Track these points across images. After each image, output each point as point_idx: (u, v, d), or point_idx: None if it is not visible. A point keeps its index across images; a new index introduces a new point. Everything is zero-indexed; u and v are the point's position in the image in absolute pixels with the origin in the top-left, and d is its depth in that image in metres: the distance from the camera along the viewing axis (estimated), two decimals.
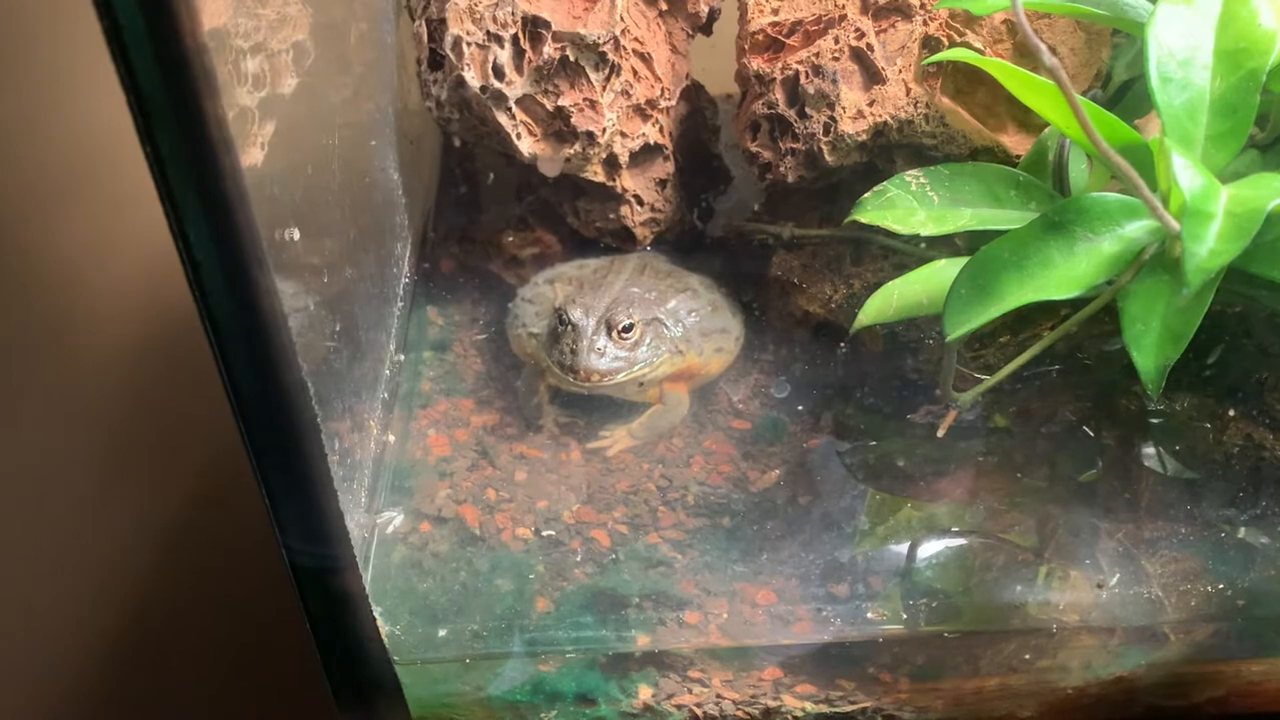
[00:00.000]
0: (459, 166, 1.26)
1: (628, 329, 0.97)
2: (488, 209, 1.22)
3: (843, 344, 1.06)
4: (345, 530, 0.68)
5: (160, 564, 1.32)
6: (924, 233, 0.90)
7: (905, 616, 0.85)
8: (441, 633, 0.81)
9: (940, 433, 0.91)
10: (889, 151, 1.02)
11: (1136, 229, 0.78)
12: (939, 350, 1.01)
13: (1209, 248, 0.64)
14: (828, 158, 1.00)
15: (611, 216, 1.11)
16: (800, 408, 1.02)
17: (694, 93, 1.16)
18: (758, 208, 1.18)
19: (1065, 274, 0.78)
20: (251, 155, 0.72)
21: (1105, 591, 0.83)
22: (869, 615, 0.83)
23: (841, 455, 0.99)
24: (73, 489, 1.24)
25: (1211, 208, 0.65)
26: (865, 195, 0.92)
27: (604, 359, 0.96)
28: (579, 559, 0.89)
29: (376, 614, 0.75)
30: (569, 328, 0.97)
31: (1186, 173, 0.66)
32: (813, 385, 1.04)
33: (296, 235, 0.71)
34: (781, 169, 1.04)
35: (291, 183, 0.76)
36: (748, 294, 1.11)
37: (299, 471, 0.64)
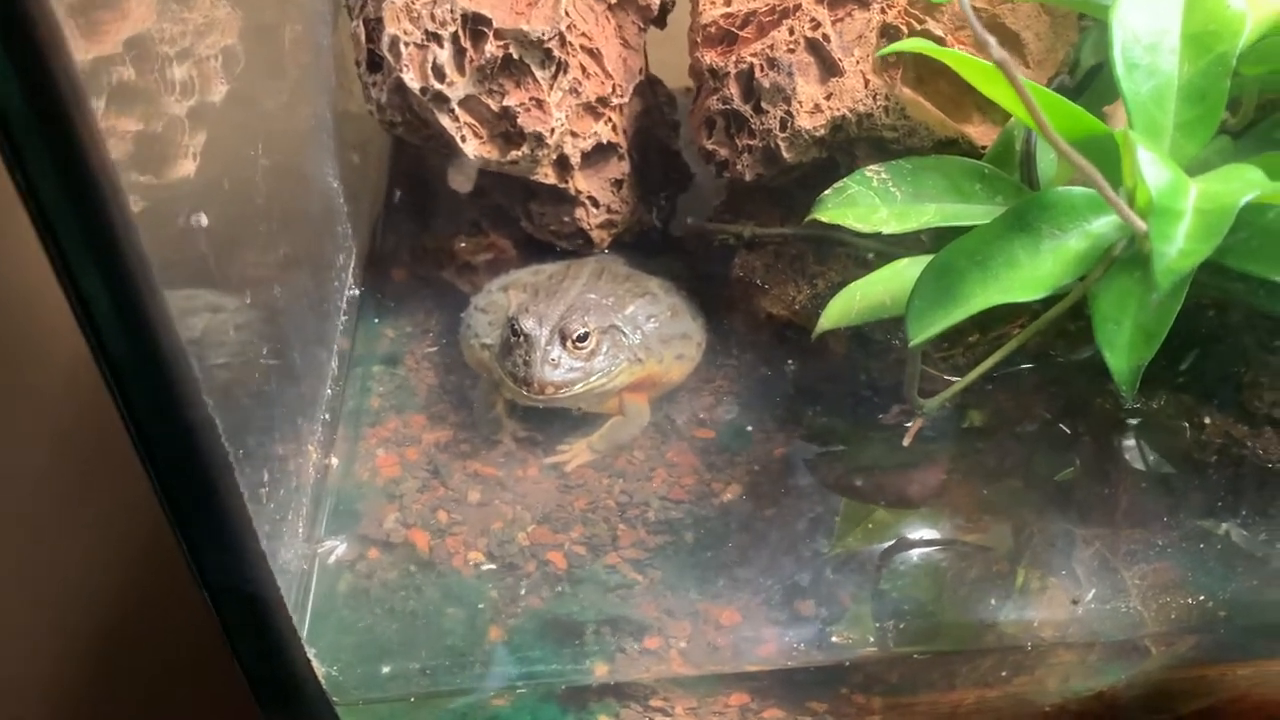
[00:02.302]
0: (408, 172, 1.21)
1: (583, 338, 0.92)
2: (439, 215, 1.18)
3: (794, 356, 1.02)
4: (269, 571, 0.64)
5: (129, 576, 1.28)
6: (886, 230, 0.86)
7: (875, 638, 0.81)
8: (385, 669, 0.77)
9: (906, 441, 0.87)
10: (849, 146, 0.98)
11: (1104, 225, 0.74)
12: (906, 351, 0.97)
13: (1178, 248, 0.60)
14: (785, 154, 0.96)
15: (566, 219, 1.07)
16: (766, 414, 0.98)
17: (649, 88, 1.12)
18: (718, 206, 1.14)
19: (1031, 274, 0.74)
20: (155, 167, 0.67)
21: (1081, 607, 0.79)
22: (834, 639, 0.79)
23: (809, 464, 0.95)
24: (39, 502, 1.20)
25: (1180, 205, 0.61)
26: (825, 193, 0.89)
27: (558, 370, 0.92)
28: (534, 584, 0.85)
29: (311, 655, 0.71)
30: (521, 338, 0.92)
31: (1153, 168, 0.62)
32: (778, 391, 1.00)
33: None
34: (739, 167, 0.99)
35: (204, 197, 0.72)
36: (709, 297, 1.07)
37: (213, 513, 0.60)
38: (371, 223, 1.17)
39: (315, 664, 0.72)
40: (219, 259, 0.69)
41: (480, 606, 0.82)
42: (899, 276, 0.88)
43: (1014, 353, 0.89)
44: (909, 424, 0.93)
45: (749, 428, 0.98)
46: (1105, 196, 0.63)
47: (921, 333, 0.77)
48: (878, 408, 0.97)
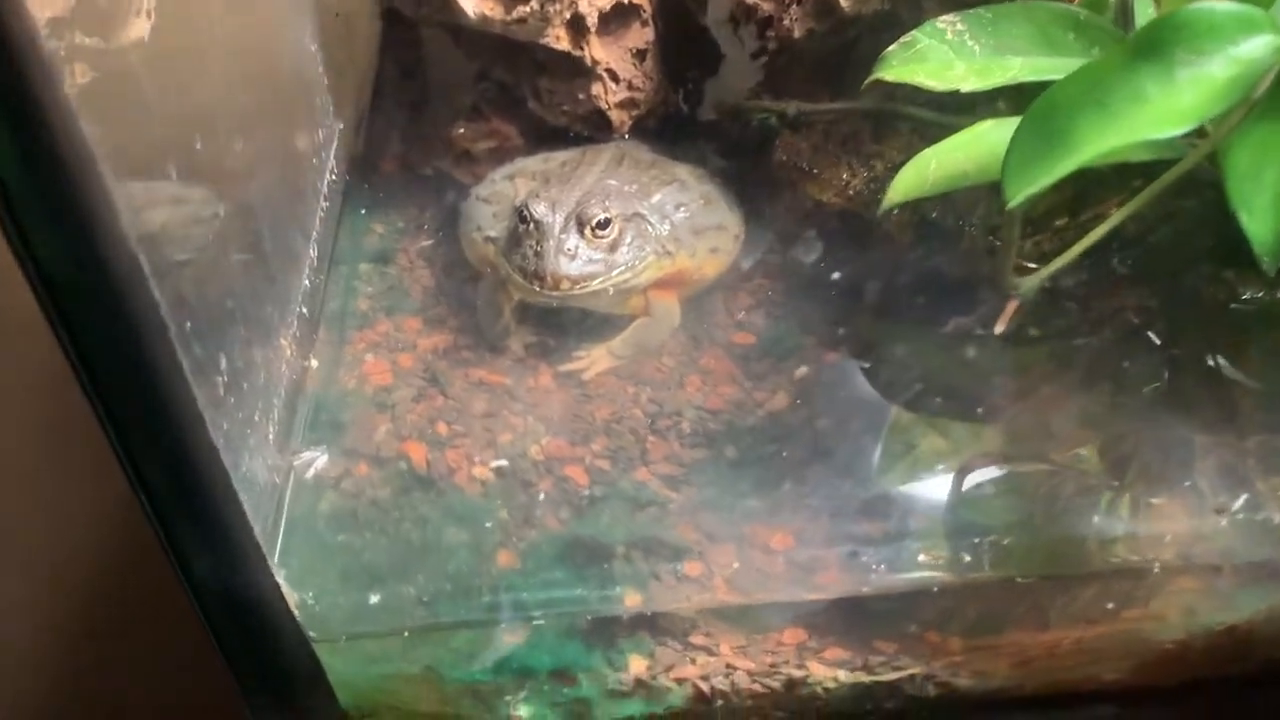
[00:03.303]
0: (399, 50, 1.07)
1: (603, 224, 0.79)
2: (434, 97, 1.04)
3: (847, 248, 0.88)
4: (221, 468, 0.51)
5: (110, 551, 1.17)
6: (965, 88, 0.75)
7: (953, 562, 0.68)
8: (374, 599, 0.64)
9: (999, 328, 0.74)
10: None
11: (1256, 47, 0.61)
12: (981, 238, 0.84)
13: None
14: (843, 2, 0.82)
15: (581, 97, 0.93)
16: (815, 315, 0.85)
17: None
18: (755, 86, 1.00)
19: (1166, 107, 0.62)
20: (101, 28, 0.54)
21: (1226, 518, 0.66)
22: (906, 563, 0.66)
23: (867, 371, 0.82)
24: (15, 481, 1.10)
25: None
26: (890, 49, 0.77)
27: (575, 261, 0.79)
28: (550, 501, 0.72)
29: (280, 579, 0.58)
30: (532, 225, 0.79)
31: None
32: (829, 287, 0.87)
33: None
34: (786, 23, 0.86)
35: (161, 56, 0.59)
36: (747, 184, 0.93)
37: (142, 380, 0.46)
38: (358, 106, 1.03)
39: (286, 590, 0.59)
40: (169, 105, 0.56)
41: (488, 526, 0.70)
42: (982, 140, 0.76)
43: (1109, 238, 0.76)
44: (982, 322, 0.80)
45: (795, 330, 0.85)
46: None
47: (1022, 189, 0.65)
48: (947, 303, 0.83)
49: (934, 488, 0.73)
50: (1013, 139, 0.65)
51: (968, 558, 0.66)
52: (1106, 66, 0.63)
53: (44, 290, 0.45)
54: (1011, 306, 0.73)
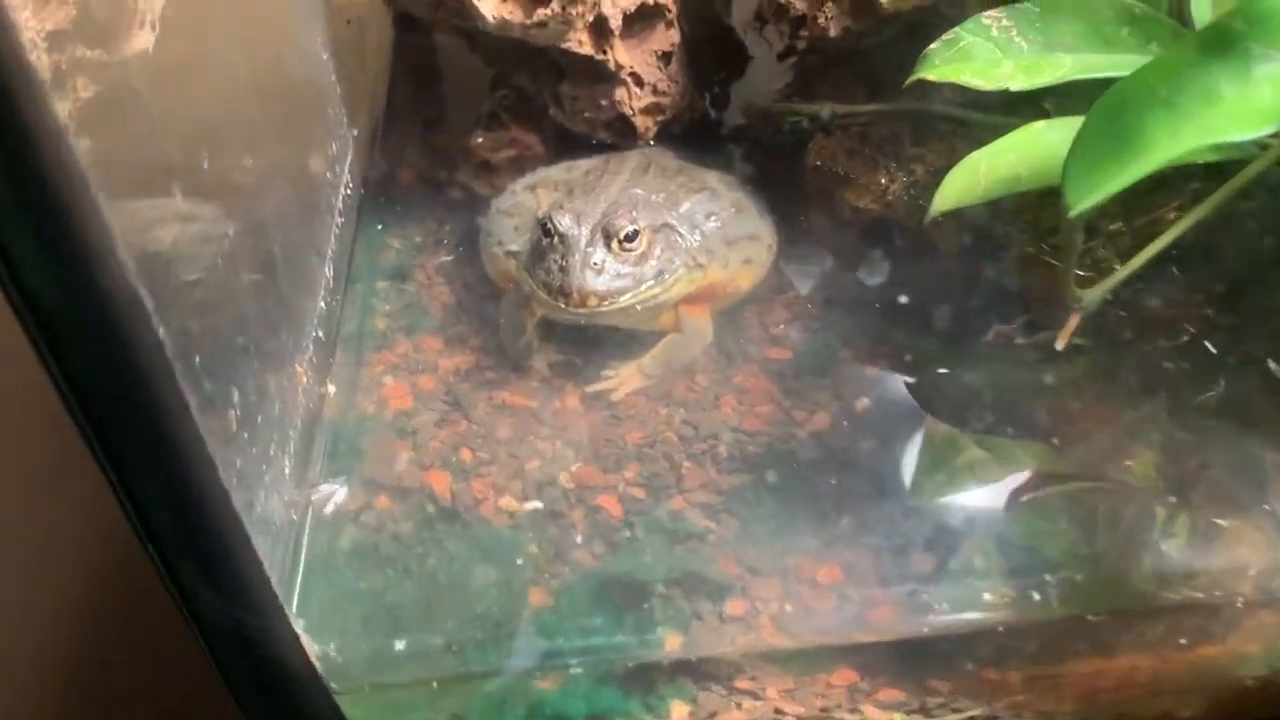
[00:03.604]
0: (414, 58, 1.03)
1: (631, 237, 0.75)
2: (451, 106, 1.01)
3: (888, 258, 0.84)
4: (233, 515, 0.47)
5: (114, 554, 1.15)
6: (1013, 86, 0.72)
7: (1013, 597, 0.64)
8: (399, 646, 0.60)
9: (1060, 343, 0.69)
10: None
11: None
12: (1035, 245, 0.79)
13: None
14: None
15: (604, 103, 0.89)
16: (855, 330, 0.81)
17: None
18: (784, 88, 0.96)
19: (1240, 107, 0.57)
20: (103, 40, 0.51)
21: None
22: (983, 596, 0.62)
23: (914, 388, 0.77)
24: (16, 481, 1.07)
25: None
26: (932, 46, 0.73)
27: (603, 276, 0.75)
28: (583, 535, 0.68)
29: (299, 629, 0.54)
30: (556, 239, 0.76)
31: None
32: (870, 300, 0.83)
33: None
34: (820, 21, 0.82)
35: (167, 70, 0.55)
36: (780, 191, 0.90)
37: (144, 421, 0.42)
38: (372, 116, 0.99)
39: (306, 641, 0.55)
40: (175, 120, 0.52)
41: (518, 563, 0.66)
42: (1036, 141, 0.71)
43: (1169, 244, 0.71)
44: (1034, 336, 0.76)
45: (835, 346, 0.81)
46: None
47: (1086, 196, 0.61)
48: (997, 317, 0.79)
49: (991, 516, 0.69)
50: (1075, 141, 0.60)
51: (1034, 595, 0.62)
52: (1174, 62, 0.59)
53: (34, 323, 0.41)
54: (1074, 320, 0.69)
